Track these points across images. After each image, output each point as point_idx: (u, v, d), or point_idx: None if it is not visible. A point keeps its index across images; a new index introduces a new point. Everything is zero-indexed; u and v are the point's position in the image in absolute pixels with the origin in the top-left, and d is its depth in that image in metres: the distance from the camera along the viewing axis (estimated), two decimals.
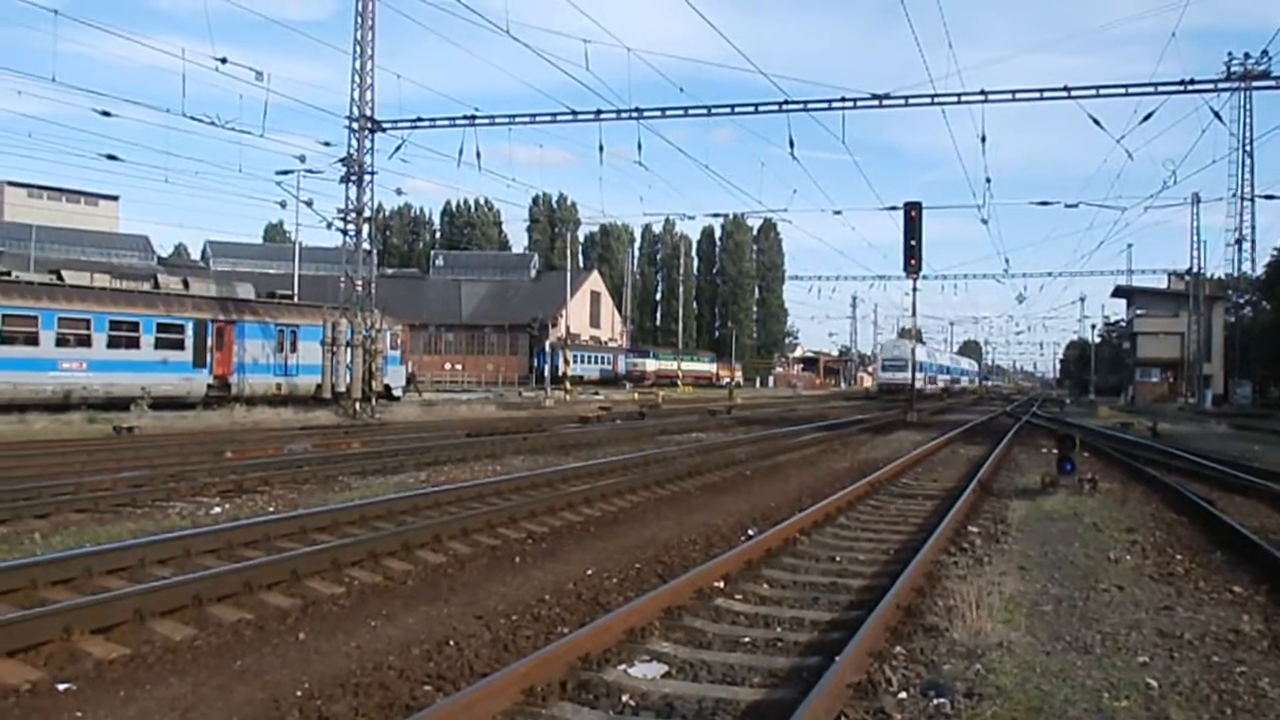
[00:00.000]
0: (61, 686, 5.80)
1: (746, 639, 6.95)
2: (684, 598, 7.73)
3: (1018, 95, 30.11)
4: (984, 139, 31.14)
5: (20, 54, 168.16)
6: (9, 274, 31.57)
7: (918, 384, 68.11)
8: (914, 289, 42.90)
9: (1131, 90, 29.21)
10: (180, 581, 7.66)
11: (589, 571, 9.29)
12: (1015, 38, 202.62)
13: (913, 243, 33.96)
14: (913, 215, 33.99)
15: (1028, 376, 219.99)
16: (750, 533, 11.35)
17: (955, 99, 30.01)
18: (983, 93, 29.78)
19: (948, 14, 42.83)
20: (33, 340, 29.53)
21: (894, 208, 36.56)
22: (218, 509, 12.53)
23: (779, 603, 8.09)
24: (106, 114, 31.60)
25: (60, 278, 32.10)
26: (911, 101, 30.72)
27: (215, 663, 6.34)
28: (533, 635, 6.99)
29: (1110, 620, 7.39)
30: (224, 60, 28.43)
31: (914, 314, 46.75)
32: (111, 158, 38.58)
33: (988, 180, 73.01)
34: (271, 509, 12.56)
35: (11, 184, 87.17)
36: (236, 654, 6.53)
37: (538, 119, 32.93)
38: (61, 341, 30.29)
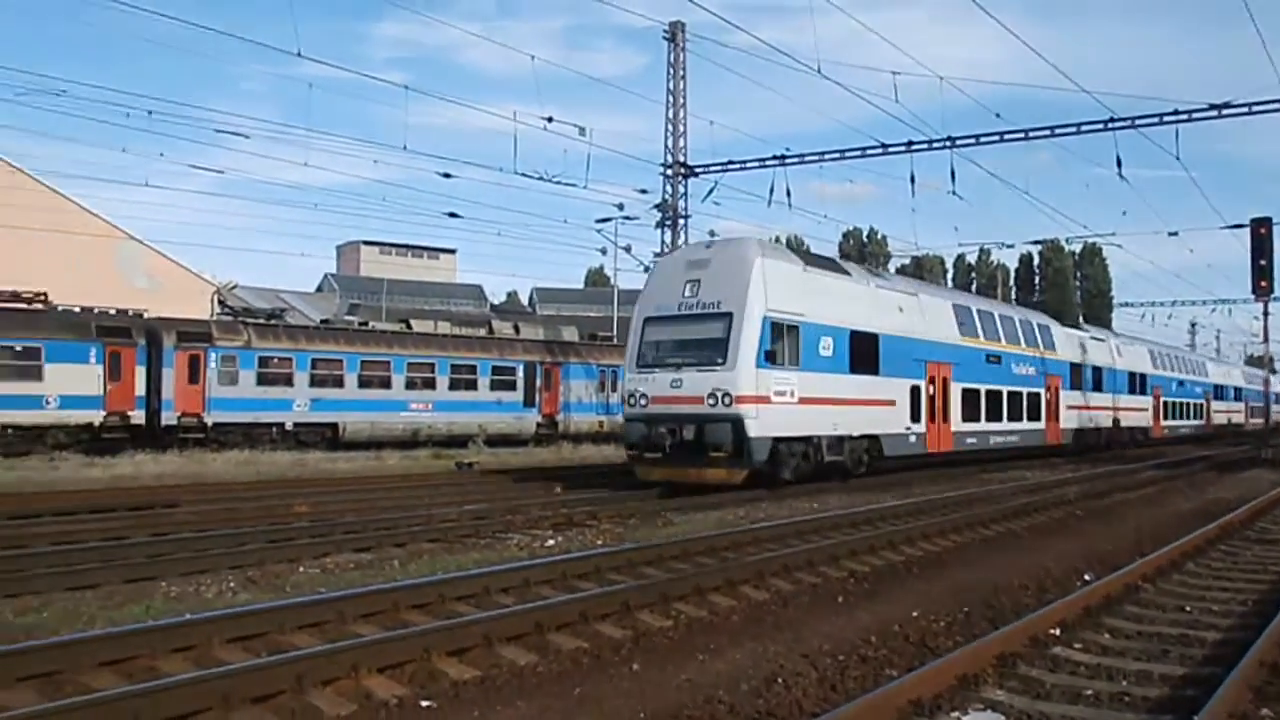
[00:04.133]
0: (424, 703, 6.31)
1: (1089, 690, 6.55)
2: (1018, 644, 7.40)
3: None
4: None
5: (375, 127, 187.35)
6: (366, 324, 35.06)
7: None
8: (1265, 313, 38.97)
9: None
10: (522, 610, 8.16)
11: (914, 613, 9.07)
12: None
13: (1262, 262, 31.03)
14: (1261, 232, 31.07)
15: None
16: (1087, 577, 10.70)
17: None
18: None
19: None
20: (386, 384, 32.62)
21: (1239, 225, 33.60)
22: (551, 541, 13.24)
23: (1123, 653, 7.57)
24: (448, 175, 34.50)
25: (409, 326, 35.25)
26: (1256, 109, 28.09)
27: (557, 688, 6.69)
28: (860, 676, 6.91)
29: None
30: (550, 119, 30.17)
31: (1265, 339, 42.33)
32: (453, 215, 41.67)
33: None
34: (600, 542, 13.14)
35: (367, 243, 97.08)
36: (576, 681, 6.86)
37: (847, 154, 32.73)
38: (410, 384, 33.27)
